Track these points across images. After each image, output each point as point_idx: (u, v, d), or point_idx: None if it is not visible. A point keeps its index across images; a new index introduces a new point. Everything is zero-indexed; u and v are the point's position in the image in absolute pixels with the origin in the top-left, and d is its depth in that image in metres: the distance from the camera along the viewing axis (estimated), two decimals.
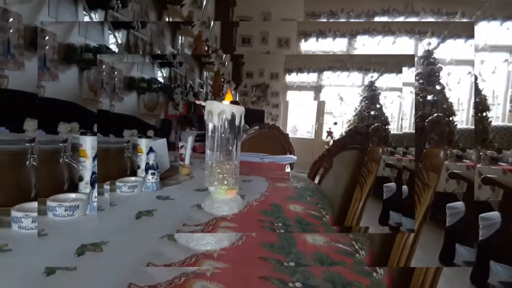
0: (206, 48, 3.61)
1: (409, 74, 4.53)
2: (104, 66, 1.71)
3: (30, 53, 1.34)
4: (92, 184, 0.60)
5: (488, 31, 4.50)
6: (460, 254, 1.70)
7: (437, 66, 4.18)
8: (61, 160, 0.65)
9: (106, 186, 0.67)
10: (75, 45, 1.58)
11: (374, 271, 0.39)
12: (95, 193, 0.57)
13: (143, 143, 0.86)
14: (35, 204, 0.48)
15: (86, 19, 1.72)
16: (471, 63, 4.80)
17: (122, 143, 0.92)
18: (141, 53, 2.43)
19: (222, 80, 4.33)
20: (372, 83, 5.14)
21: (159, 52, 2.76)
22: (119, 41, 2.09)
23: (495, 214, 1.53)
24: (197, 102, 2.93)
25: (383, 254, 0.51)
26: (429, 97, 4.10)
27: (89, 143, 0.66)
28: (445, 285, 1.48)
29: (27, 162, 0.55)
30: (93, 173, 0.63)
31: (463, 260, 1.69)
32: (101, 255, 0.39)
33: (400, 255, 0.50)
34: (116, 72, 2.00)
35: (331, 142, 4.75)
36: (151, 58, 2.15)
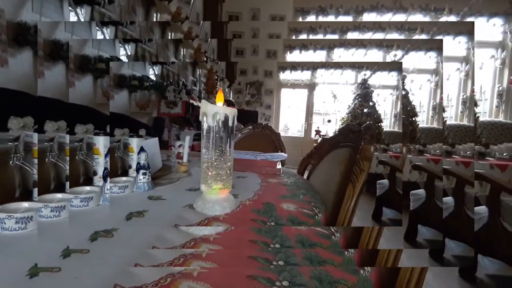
0: (205, 59, 3.88)
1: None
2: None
3: (14, 50, 1.30)
4: (104, 178, 0.67)
5: (475, 27, 4.61)
6: (450, 248, 1.75)
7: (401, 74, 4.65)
8: (77, 157, 0.74)
9: (96, 187, 0.66)
10: (90, 56, 1.78)
11: (361, 269, 0.40)
12: (107, 185, 0.64)
13: (134, 143, 0.85)
14: (19, 205, 0.46)
15: (72, 15, 1.68)
16: (430, 71, 5.18)
17: (113, 143, 0.90)
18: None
19: (216, 77, 4.29)
20: (365, 81, 5.20)
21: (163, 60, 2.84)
22: (129, 53, 2.30)
23: (482, 209, 1.58)
24: (194, 103, 2.94)
25: (353, 235, 0.63)
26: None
27: (102, 142, 0.74)
28: (434, 279, 1.52)
29: (11, 162, 0.54)
30: (105, 168, 0.71)
31: (452, 254, 1.74)
32: (112, 240, 0.44)
33: (344, 217, 0.69)
34: None
35: (319, 140, 4.95)
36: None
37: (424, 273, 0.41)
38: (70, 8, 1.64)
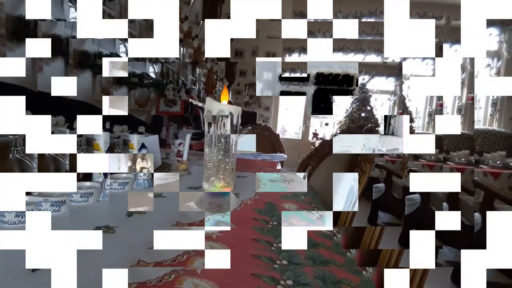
0: (205, 59, 3.81)
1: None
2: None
3: (12, 44, 1.28)
4: (105, 174, 0.68)
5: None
6: (443, 254, 1.77)
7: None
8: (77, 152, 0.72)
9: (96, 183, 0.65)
10: (89, 52, 1.76)
11: (363, 270, 0.40)
12: (107, 182, 0.66)
13: (135, 139, 0.84)
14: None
15: (72, 10, 1.67)
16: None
17: (113, 139, 0.89)
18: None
19: (215, 77, 4.30)
20: (363, 85, 5.25)
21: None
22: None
23: (476, 216, 1.60)
24: (193, 102, 2.93)
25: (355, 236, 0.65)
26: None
27: (102, 138, 0.75)
28: (427, 284, 1.53)
29: (11, 155, 0.53)
30: None
31: (445, 260, 1.75)
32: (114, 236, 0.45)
33: (346, 218, 0.73)
34: None
35: (316, 143, 4.98)
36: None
37: (426, 273, 0.41)
38: (70, 3, 1.62)
